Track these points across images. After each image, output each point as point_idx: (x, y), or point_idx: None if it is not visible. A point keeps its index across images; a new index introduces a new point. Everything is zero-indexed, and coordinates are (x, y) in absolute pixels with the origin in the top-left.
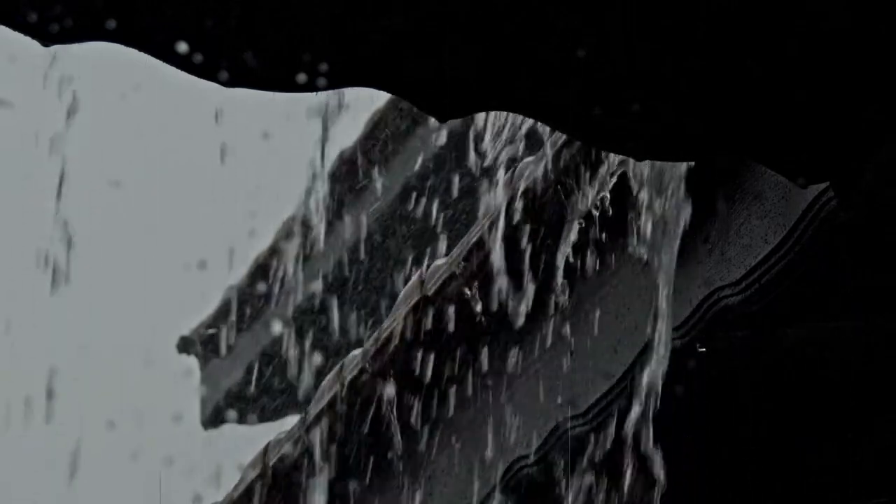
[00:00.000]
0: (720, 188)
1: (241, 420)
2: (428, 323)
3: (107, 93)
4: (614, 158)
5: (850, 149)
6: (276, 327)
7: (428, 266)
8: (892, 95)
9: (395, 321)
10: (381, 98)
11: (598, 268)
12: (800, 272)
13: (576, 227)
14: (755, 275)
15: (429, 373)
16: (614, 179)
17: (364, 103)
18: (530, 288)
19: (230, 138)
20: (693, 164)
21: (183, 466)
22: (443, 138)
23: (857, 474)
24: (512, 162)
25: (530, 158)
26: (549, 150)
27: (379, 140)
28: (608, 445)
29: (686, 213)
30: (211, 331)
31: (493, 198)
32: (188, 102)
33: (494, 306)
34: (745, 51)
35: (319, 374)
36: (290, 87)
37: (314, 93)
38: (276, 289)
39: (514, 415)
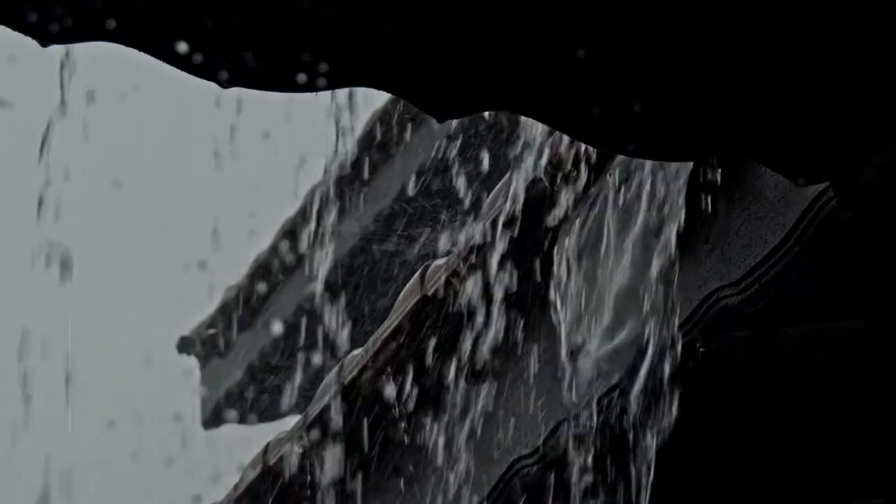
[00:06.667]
0: (720, 188)
1: (241, 420)
2: (428, 322)
3: (107, 93)
4: (614, 159)
5: (849, 149)
6: (277, 327)
7: (428, 266)
8: (892, 96)
9: (395, 320)
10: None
11: (597, 267)
12: (800, 272)
13: (576, 226)
14: (755, 275)
15: (429, 373)
16: (615, 179)
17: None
18: (529, 288)
19: (230, 138)
20: (693, 164)
21: (183, 466)
22: None
23: (857, 474)
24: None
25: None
26: (548, 148)
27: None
28: (608, 445)
29: (683, 212)
30: (211, 331)
31: (498, 195)
32: (188, 103)
33: (494, 306)
34: (746, 51)
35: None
36: (290, 87)
37: (314, 93)
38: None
39: (515, 414)
